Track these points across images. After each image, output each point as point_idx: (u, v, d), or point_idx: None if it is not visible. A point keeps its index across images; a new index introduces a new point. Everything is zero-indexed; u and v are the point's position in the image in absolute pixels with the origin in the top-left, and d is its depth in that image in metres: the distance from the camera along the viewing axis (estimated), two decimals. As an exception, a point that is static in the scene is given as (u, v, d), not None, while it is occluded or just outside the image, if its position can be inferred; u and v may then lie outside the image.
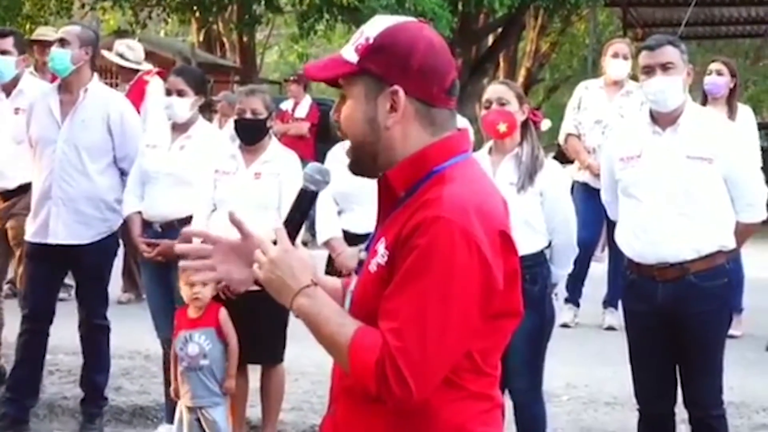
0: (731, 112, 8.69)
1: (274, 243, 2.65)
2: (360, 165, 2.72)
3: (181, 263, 2.90)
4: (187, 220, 6.39)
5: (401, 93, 2.61)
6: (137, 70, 10.31)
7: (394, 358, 2.46)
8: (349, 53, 2.66)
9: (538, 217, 5.59)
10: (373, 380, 2.49)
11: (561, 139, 9.71)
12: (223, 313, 6.06)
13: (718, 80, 8.79)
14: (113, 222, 6.84)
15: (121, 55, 10.28)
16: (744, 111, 9.01)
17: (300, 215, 2.73)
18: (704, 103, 8.89)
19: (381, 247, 2.61)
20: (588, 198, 8.70)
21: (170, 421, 6.65)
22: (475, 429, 2.66)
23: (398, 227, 2.57)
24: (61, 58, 6.74)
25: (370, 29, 2.66)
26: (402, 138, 2.65)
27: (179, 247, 2.92)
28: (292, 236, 2.67)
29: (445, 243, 2.49)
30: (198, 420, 6.11)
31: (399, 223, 2.58)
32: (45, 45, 9.19)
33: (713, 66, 8.96)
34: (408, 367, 2.46)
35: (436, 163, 2.64)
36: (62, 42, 6.76)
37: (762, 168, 8.30)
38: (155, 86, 9.85)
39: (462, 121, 6.21)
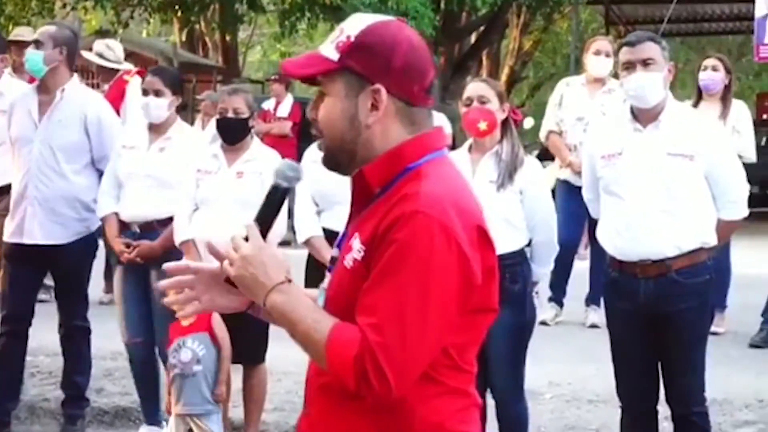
0: (725, 108, 8.69)
1: (246, 240, 2.62)
2: (337, 162, 2.71)
3: (166, 300, 2.86)
4: (167, 222, 6.37)
5: (383, 91, 2.62)
6: (117, 70, 10.26)
7: (374, 353, 2.46)
8: (330, 51, 2.65)
9: (518, 215, 5.57)
10: (352, 376, 2.48)
11: (542, 136, 9.70)
12: (216, 318, 5.98)
13: (714, 76, 8.79)
14: (91, 222, 6.81)
15: (101, 55, 10.24)
16: (738, 106, 9.00)
17: (271, 212, 2.70)
18: (699, 99, 8.91)
19: (356, 243, 2.60)
20: (570, 196, 8.69)
21: (150, 423, 6.64)
22: (453, 427, 2.65)
23: (374, 223, 2.57)
24: (34, 59, 6.74)
25: (350, 27, 2.66)
26: (381, 136, 2.65)
27: (163, 284, 2.87)
28: (264, 233, 2.64)
29: (423, 237, 2.50)
30: (190, 430, 6.05)
31: (375, 218, 2.58)
32: (22, 45, 9.15)
33: (708, 62, 8.96)
34: (387, 362, 2.46)
35: (412, 159, 2.64)
36: (36, 43, 6.76)
37: (756, 164, 8.39)
38: (135, 86, 9.79)
39: (439, 118, 6.20)
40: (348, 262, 2.61)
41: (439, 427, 2.63)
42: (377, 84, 2.62)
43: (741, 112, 8.97)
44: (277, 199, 2.71)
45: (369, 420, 2.60)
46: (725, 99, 8.83)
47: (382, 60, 2.64)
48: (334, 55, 2.64)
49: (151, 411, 6.72)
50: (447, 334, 2.56)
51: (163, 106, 6.53)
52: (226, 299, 2.81)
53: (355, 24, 2.67)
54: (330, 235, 6.43)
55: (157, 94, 6.51)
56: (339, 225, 6.42)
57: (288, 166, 2.71)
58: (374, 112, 2.63)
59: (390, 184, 2.63)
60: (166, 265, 2.84)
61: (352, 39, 2.64)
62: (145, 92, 6.58)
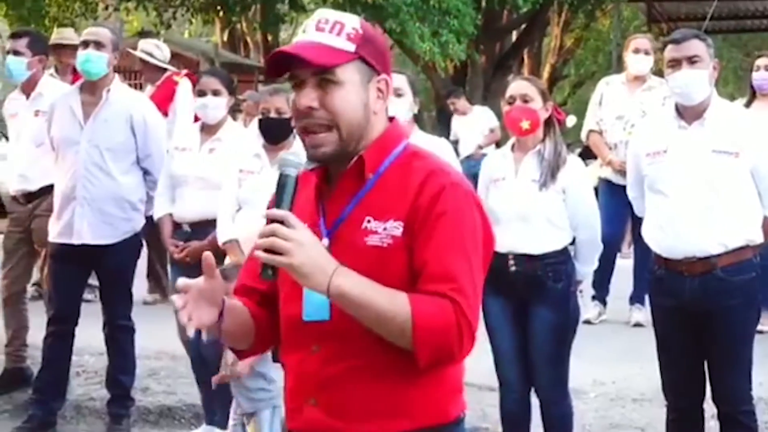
0: None
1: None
2: (346, 151, 2.80)
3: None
4: (216, 222, 6.39)
5: (390, 81, 2.87)
6: (164, 70, 10.31)
7: (466, 315, 2.66)
8: (341, 42, 2.78)
9: (560, 214, 5.55)
10: (454, 340, 2.65)
11: (583, 135, 9.67)
12: None
13: (765, 74, 8.72)
14: (136, 222, 6.86)
15: (150, 54, 10.29)
16: None
17: (286, 200, 2.70)
18: (752, 98, 8.84)
19: (377, 224, 2.73)
20: (611, 194, 8.67)
21: (209, 422, 6.61)
22: (461, 388, 2.91)
23: (401, 200, 2.73)
24: (98, 60, 6.74)
25: (349, 20, 2.82)
26: (380, 122, 2.86)
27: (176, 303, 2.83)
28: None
29: (467, 207, 2.77)
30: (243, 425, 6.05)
31: (393, 197, 2.74)
32: (64, 47, 9.21)
33: (761, 61, 8.89)
34: (474, 319, 2.69)
35: (396, 143, 2.85)
36: (97, 45, 6.75)
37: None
38: (184, 88, 9.86)
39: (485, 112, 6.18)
40: (381, 241, 2.72)
41: (458, 388, 2.89)
42: (383, 74, 2.85)
43: None
44: (289, 186, 2.71)
45: (414, 388, 2.75)
46: None
47: (381, 52, 2.87)
48: (350, 46, 2.79)
49: (208, 410, 6.69)
50: None
51: (221, 105, 6.65)
52: (207, 316, 2.79)
53: (349, 18, 2.84)
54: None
55: (216, 93, 6.62)
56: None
57: (291, 155, 2.76)
58: (380, 99, 2.85)
59: (380, 167, 2.79)
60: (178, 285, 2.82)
61: (360, 31, 2.80)
62: (202, 93, 6.65)
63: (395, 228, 2.71)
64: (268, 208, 2.69)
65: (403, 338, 2.63)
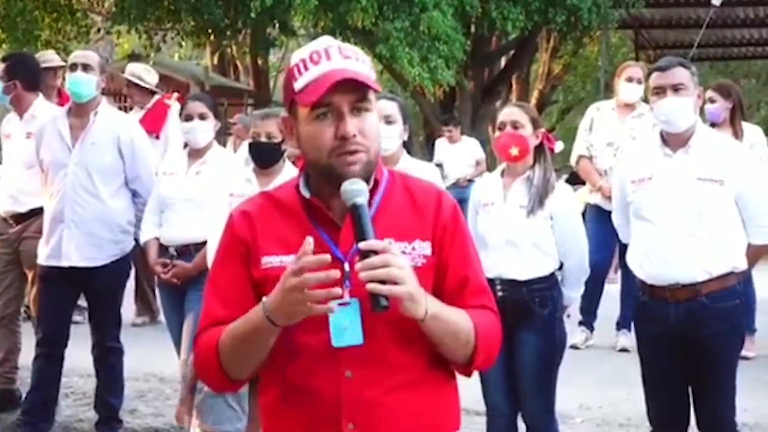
0: (735, 133, 8.63)
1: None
2: (371, 169, 2.87)
3: None
4: (203, 245, 6.43)
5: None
6: (152, 93, 10.35)
7: (500, 321, 3.02)
8: (369, 70, 2.87)
9: (548, 240, 5.59)
10: (499, 342, 3.03)
11: (573, 161, 9.72)
12: None
13: (710, 108, 8.76)
14: (125, 244, 6.89)
15: (139, 77, 10.32)
16: (752, 130, 8.97)
17: (365, 228, 2.70)
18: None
19: (402, 245, 2.82)
20: (600, 220, 8.70)
21: None
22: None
23: (414, 222, 2.88)
24: (87, 83, 6.79)
25: (358, 53, 2.88)
26: None
27: None
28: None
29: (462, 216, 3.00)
30: None
31: (404, 219, 2.88)
32: (46, 70, 9.24)
33: (706, 94, 8.94)
34: None
35: (382, 167, 2.95)
36: (85, 67, 6.79)
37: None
38: (177, 110, 9.89)
39: (471, 143, 6.27)
40: (414, 261, 2.82)
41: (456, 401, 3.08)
42: None
43: (754, 136, 8.90)
44: (366, 215, 2.72)
45: (441, 401, 2.95)
46: (734, 124, 8.79)
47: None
48: (373, 75, 2.88)
49: None
50: None
51: (208, 129, 6.71)
52: None
53: (354, 49, 2.91)
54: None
55: (202, 117, 6.67)
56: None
57: (351, 183, 2.77)
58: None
59: (381, 189, 2.90)
60: None
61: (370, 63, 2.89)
62: (189, 117, 6.70)
63: (424, 248, 2.86)
64: (357, 240, 2.69)
65: (466, 348, 2.87)
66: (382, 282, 2.61)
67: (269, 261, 2.85)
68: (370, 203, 2.80)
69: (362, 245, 2.64)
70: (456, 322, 2.82)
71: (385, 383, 2.80)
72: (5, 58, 7.90)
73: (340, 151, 2.79)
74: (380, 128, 2.94)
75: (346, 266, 2.78)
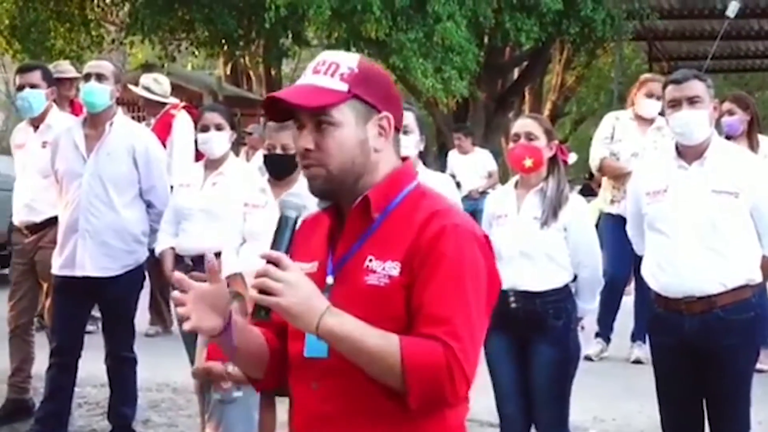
0: (752, 146, 8.62)
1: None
2: (340, 186, 2.81)
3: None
4: (217, 255, 6.43)
5: (392, 118, 2.84)
6: (164, 104, 10.35)
7: (458, 359, 2.63)
8: (334, 83, 2.79)
9: (561, 252, 5.58)
10: (445, 382, 2.62)
11: (593, 166, 9.63)
12: None
13: (728, 120, 8.75)
14: (139, 254, 6.90)
15: (148, 89, 10.32)
16: (766, 142, 8.94)
17: (284, 241, 2.72)
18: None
19: (377, 264, 2.73)
20: (617, 232, 8.66)
21: None
22: (464, 429, 2.87)
23: (403, 241, 2.72)
24: (101, 93, 6.80)
25: (345, 60, 2.83)
26: (383, 161, 2.85)
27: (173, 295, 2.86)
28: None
29: (468, 248, 2.75)
30: None
31: (397, 237, 2.74)
32: (61, 80, 9.26)
33: (724, 106, 8.92)
34: (467, 364, 2.66)
35: (406, 183, 2.86)
36: (99, 77, 6.81)
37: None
38: (181, 121, 9.90)
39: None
40: (378, 281, 2.72)
41: (459, 428, 2.84)
42: (384, 111, 2.83)
43: None
44: (287, 228, 2.74)
45: (414, 429, 2.74)
46: (750, 136, 8.78)
47: (383, 90, 2.86)
48: (342, 86, 2.79)
49: None
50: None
51: (224, 140, 6.73)
52: (207, 321, 2.78)
53: (347, 57, 2.85)
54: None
55: (219, 128, 6.69)
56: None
57: (292, 196, 2.82)
58: (381, 137, 2.83)
59: (389, 207, 2.80)
60: (175, 275, 2.87)
61: (356, 70, 2.80)
62: (206, 128, 6.72)
63: (393, 268, 2.71)
64: (271, 248, 2.70)
65: (394, 379, 2.63)
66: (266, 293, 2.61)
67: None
68: (372, 219, 2.79)
69: (260, 255, 2.66)
70: (368, 346, 2.62)
71: (344, 400, 2.74)
72: (31, 66, 7.89)
73: (300, 164, 2.85)
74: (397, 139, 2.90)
75: (329, 279, 2.80)
